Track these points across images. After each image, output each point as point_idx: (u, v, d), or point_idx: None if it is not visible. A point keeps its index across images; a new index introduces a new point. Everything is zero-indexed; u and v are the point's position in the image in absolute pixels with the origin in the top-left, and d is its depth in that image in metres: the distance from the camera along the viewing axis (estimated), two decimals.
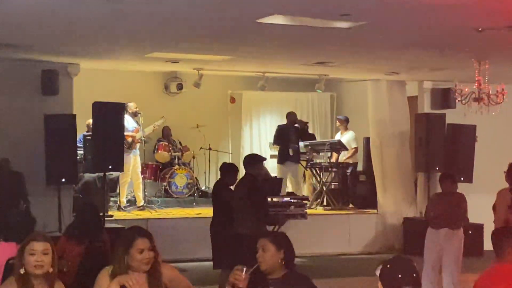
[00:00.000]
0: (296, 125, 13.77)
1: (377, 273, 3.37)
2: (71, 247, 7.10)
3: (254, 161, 9.08)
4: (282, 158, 13.46)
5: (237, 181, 9.18)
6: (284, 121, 14.03)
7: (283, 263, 4.72)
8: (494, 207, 8.68)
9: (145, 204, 12.89)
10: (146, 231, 4.52)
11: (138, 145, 12.87)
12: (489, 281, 5.15)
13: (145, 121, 13.07)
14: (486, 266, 5.40)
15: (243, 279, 4.37)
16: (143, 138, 13.00)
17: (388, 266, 3.30)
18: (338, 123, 14.43)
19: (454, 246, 8.56)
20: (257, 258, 4.69)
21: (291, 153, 13.14)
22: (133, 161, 12.72)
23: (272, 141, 14.10)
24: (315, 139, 14.47)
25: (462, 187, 12.12)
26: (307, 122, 14.53)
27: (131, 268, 4.35)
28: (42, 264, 4.37)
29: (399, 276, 3.25)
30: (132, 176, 12.73)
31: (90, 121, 11.82)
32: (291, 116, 13.74)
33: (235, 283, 4.37)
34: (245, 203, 8.59)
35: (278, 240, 4.81)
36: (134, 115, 12.90)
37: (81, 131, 12.22)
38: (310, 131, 14.92)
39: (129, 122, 12.62)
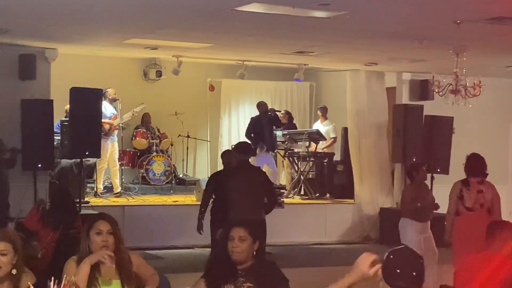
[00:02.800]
0: (269, 113, 13.70)
1: None
2: (46, 233, 7.07)
3: (249, 151, 9.13)
4: (255, 149, 13.37)
5: (237, 167, 9.07)
6: None
7: (255, 253, 4.73)
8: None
9: (122, 191, 12.85)
10: (110, 216, 4.53)
11: (116, 132, 12.80)
12: (471, 269, 5.20)
13: (124, 107, 13.00)
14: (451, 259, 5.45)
15: None
16: (121, 125, 12.94)
17: (392, 257, 3.18)
18: (319, 112, 14.45)
19: (432, 237, 8.66)
20: (231, 247, 4.67)
21: (258, 151, 12.98)
22: (111, 147, 12.66)
23: None
24: (296, 128, 14.48)
25: (438, 178, 12.29)
26: (279, 111, 14.40)
27: (92, 253, 4.35)
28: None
29: (398, 271, 3.16)
30: (109, 162, 12.67)
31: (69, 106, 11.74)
32: (261, 106, 13.65)
33: None
34: (258, 189, 8.60)
35: (255, 231, 4.82)
36: (113, 101, 12.82)
37: (58, 117, 12.12)
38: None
39: (107, 108, 12.55)
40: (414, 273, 3.17)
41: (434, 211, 8.91)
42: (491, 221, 5.76)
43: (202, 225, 9.26)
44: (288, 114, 14.54)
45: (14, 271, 4.06)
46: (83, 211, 10.29)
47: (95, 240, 4.36)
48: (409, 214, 8.76)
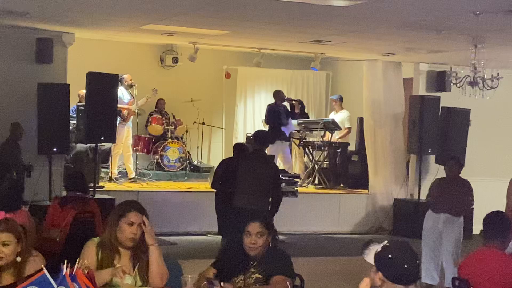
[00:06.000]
0: (284, 103, 13.69)
1: (367, 258, 3.26)
2: (63, 216, 7.11)
3: (266, 140, 9.10)
4: (273, 137, 13.36)
5: (250, 155, 9.03)
6: None
7: (269, 245, 4.74)
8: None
9: (136, 177, 12.88)
10: (142, 207, 4.47)
11: (131, 118, 12.84)
12: (474, 263, 5.19)
13: (139, 93, 13.01)
14: (474, 250, 5.43)
15: None
16: (137, 110, 12.97)
17: (390, 256, 3.16)
18: (333, 103, 14.40)
19: (454, 232, 8.43)
20: (249, 243, 4.66)
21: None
22: (126, 133, 12.70)
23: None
24: (308, 117, 14.44)
25: None
26: (296, 100, 14.37)
27: (117, 240, 4.33)
28: (2, 256, 4.10)
29: (405, 267, 3.13)
30: (123, 148, 12.71)
31: (83, 91, 11.78)
32: (278, 94, 13.64)
33: None
34: (265, 181, 8.55)
35: (269, 225, 4.84)
36: (129, 86, 12.85)
37: (75, 101, 12.16)
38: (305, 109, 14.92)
39: (124, 94, 12.58)
40: (405, 266, 3.14)
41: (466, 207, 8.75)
42: (489, 214, 5.64)
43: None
44: (300, 103, 14.50)
45: (18, 259, 4.12)
46: (98, 196, 10.34)
47: (125, 230, 4.32)
48: (429, 205, 8.68)
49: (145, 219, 4.31)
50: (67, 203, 7.17)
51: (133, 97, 12.84)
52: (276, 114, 13.42)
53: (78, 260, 3.62)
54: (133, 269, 4.31)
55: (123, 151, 12.79)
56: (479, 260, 5.15)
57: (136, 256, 4.35)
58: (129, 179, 12.80)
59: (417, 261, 3.16)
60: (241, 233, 4.74)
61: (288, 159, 13.67)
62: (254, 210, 7.71)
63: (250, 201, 8.26)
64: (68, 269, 3.51)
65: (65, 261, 3.52)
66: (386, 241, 3.25)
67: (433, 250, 8.47)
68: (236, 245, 4.77)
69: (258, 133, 9.45)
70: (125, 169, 13.03)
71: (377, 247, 3.24)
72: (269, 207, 8.54)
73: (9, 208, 6.46)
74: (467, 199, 8.57)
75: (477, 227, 9.03)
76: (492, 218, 5.46)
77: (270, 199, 8.60)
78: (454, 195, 8.45)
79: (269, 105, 13.76)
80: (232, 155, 9.94)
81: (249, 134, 13.71)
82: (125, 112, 12.47)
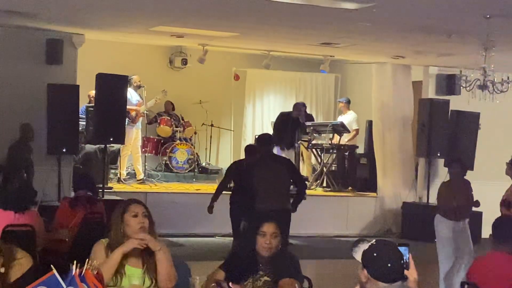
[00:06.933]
0: (299, 118, 13.47)
1: (356, 256, 3.30)
2: (72, 215, 7.12)
3: (270, 142, 9.15)
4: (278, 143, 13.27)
5: (261, 158, 9.04)
6: (286, 100, 13.96)
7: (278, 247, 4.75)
8: None
9: (145, 178, 12.91)
10: (140, 201, 4.56)
11: (140, 119, 12.86)
12: (483, 268, 5.18)
13: (149, 95, 13.05)
14: (483, 254, 5.41)
15: None
16: (146, 112, 13.00)
17: (375, 254, 3.21)
18: (340, 105, 14.37)
19: (468, 236, 8.36)
20: (264, 244, 4.67)
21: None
22: (135, 134, 12.73)
23: (274, 120, 14.00)
24: (312, 118, 14.32)
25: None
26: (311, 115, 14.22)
27: (127, 236, 4.35)
28: None
29: (389, 265, 3.17)
30: (132, 149, 12.73)
31: (92, 92, 11.80)
32: (296, 108, 13.36)
33: None
34: (284, 179, 8.62)
35: (281, 225, 4.85)
36: (138, 88, 12.88)
37: (84, 102, 12.19)
38: (312, 112, 14.87)
39: (132, 95, 12.61)
40: (389, 264, 3.17)
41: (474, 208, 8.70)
42: (498, 218, 5.63)
43: (212, 207, 9.35)
44: (304, 106, 14.41)
45: (2, 270, 3.98)
46: (106, 197, 10.36)
47: (131, 223, 4.34)
48: (441, 211, 8.58)
49: (144, 235, 4.30)
50: (76, 204, 7.19)
51: (142, 99, 12.86)
52: (283, 124, 13.28)
53: (87, 260, 3.62)
54: (142, 265, 4.32)
55: (132, 152, 12.82)
56: (488, 265, 5.13)
57: (145, 253, 4.35)
58: (137, 180, 12.82)
59: (401, 261, 3.19)
60: (254, 235, 4.74)
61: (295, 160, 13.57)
62: (276, 211, 7.72)
63: (272, 203, 8.26)
64: (77, 270, 3.51)
65: (75, 262, 3.52)
66: (374, 240, 3.31)
67: (450, 257, 8.39)
68: (247, 248, 4.77)
69: (261, 136, 9.48)
70: (134, 170, 13.06)
71: (366, 246, 3.29)
72: (291, 201, 8.65)
73: (18, 208, 6.48)
74: (469, 200, 8.53)
75: (486, 231, 8.99)
76: (501, 223, 5.44)
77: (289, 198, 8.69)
78: (460, 198, 8.43)
79: (281, 113, 13.65)
80: (244, 157, 9.89)
81: (257, 137, 13.67)
82: (133, 114, 12.50)
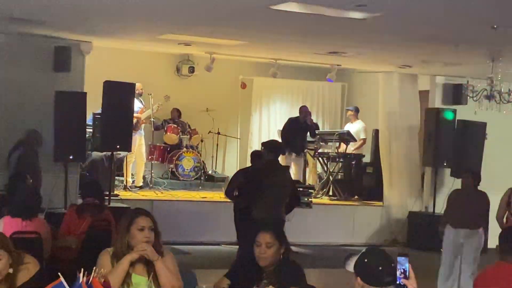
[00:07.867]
0: (306, 121, 13.53)
1: (348, 268, 3.37)
2: (79, 223, 7.14)
3: (277, 150, 9.13)
4: (286, 149, 13.30)
5: (264, 166, 9.05)
6: (293, 109, 13.94)
7: (282, 256, 4.73)
8: None
9: (143, 185, 12.91)
10: (148, 212, 4.51)
11: (143, 126, 12.87)
12: (489, 278, 5.17)
13: (155, 102, 13.08)
14: (490, 264, 5.40)
15: None
16: (152, 119, 13.02)
17: (366, 260, 3.30)
18: (348, 113, 14.37)
19: (474, 245, 8.37)
20: (258, 253, 4.66)
21: (287, 154, 12.45)
22: (138, 141, 12.73)
23: (281, 128, 14.03)
24: (317, 126, 14.35)
25: None
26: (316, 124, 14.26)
27: (131, 248, 4.35)
28: None
29: (380, 269, 3.25)
30: (136, 156, 12.75)
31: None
32: (302, 110, 13.55)
33: None
34: (281, 190, 8.60)
35: (281, 236, 4.82)
36: (139, 95, 12.86)
37: (92, 110, 12.21)
38: (319, 121, 14.88)
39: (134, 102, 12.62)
40: (380, 268, 3.26)
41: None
42: (506, 228, 5.64)
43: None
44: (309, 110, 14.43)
45: (11, 270, 4.08)
46: (112, 204, 10.37)
47: (137, 236, 4.32)
48: (447, 218, 8.62)
49: (144, 245, 4.31)
50: (83, 211, 7.20)
51: (144, 105, 12.89)
52: (293, 129, 13.31)
53: (94, 268, 3.63)
54: (148, 275, 4.32)
55: (137, 159, 12.84)
56: (495, 275, 5.13)
57: (151, 262, 4.35)
58: (136, 186, 12.82)
59: (392, 264, 3.24)
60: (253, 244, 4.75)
61: (299, 174, 13.53)
62: (270, 220, 7.72)
63: (267, 211, 8.26)
64: (85, 278, 3.52)
65: (82, 269, 3.53)
66: (364, 249, 3.42)
67: (453, 266, 8.40)
68: (250, 256, 4.77)
69: (270, 143, 9.46)
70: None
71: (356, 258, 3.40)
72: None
73: (25, 215, 6.49)
74: (483, 210, 8.51)
75: (493, 242, 8.98)
76: (508, 233, 5.44)
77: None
78: (471, 207, 8.41)
79: (290, 118, 13.70)
80: (250, 164, 9.90)
81: (264, 142, 13.67)
82: (134, 121, 12.48)
